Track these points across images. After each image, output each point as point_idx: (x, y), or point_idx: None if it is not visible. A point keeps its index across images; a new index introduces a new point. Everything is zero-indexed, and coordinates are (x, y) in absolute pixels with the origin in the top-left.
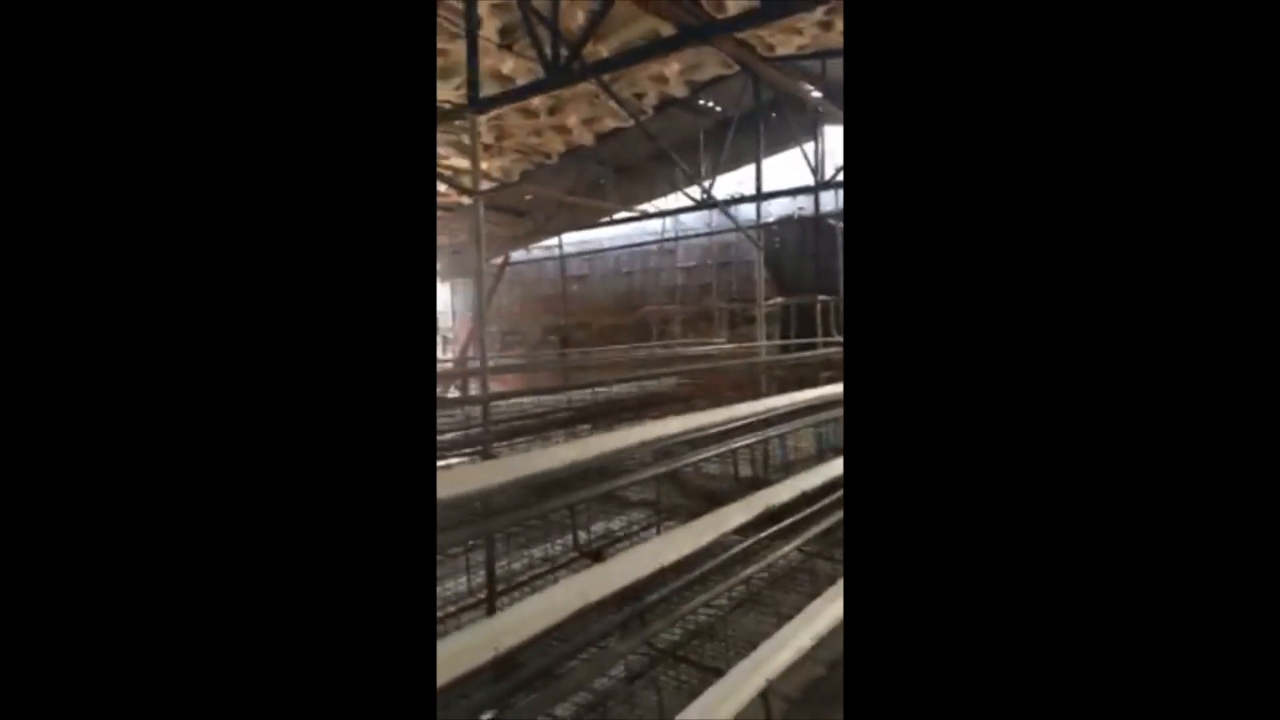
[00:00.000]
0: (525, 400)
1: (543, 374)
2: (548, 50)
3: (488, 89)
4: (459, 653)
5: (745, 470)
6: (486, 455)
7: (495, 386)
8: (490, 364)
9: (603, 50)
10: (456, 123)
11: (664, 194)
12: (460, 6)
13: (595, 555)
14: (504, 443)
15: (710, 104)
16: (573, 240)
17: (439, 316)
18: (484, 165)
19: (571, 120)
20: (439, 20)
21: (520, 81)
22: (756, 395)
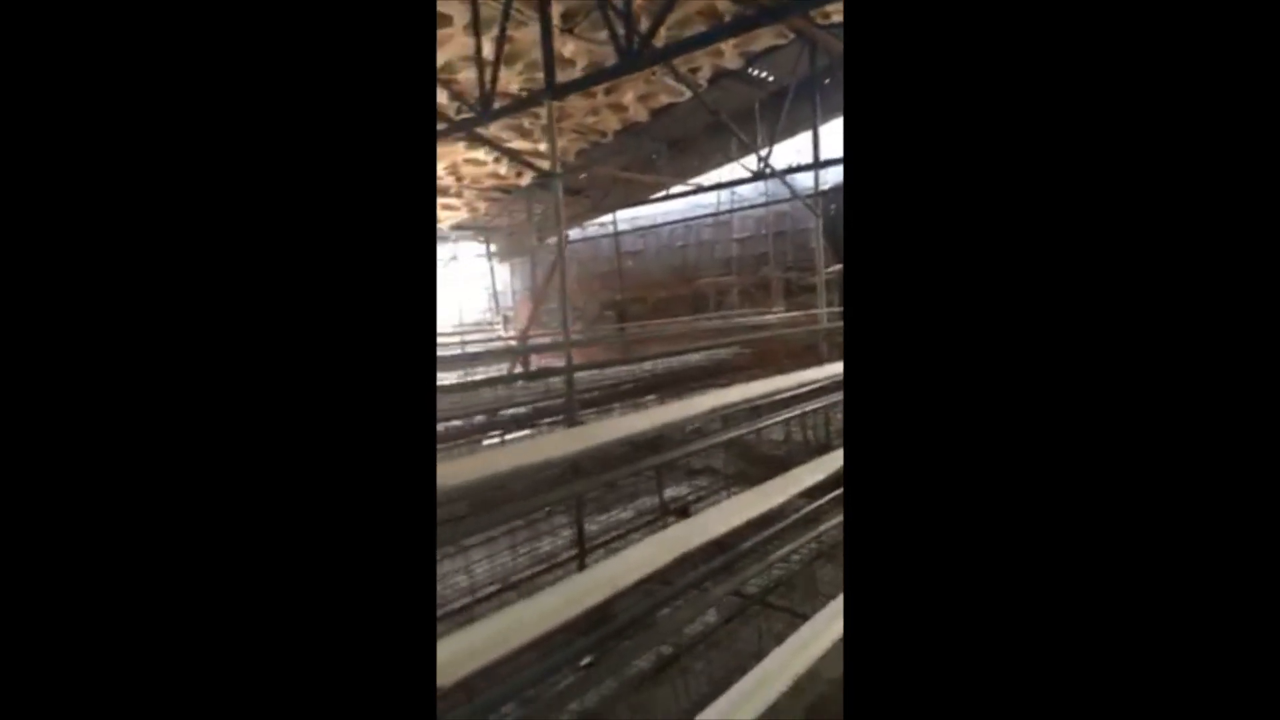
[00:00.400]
0: (585, 373)
1: (600, 346)
2: (620, 35)
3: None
4: (581, 593)
5: (809, 435)
6: (572, 423)
7: (555, 360)
8: (555, 339)
9: (661, 29)
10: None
11: (718, 166)
12: None
13: (682, 511)
14: (586, 411)
15: (764, 74)
16: (626, 217)
17: (499, 296)
18: (542, 146)
19: (628, 98)
20: (502, 6)
21: (581, 64)
22: (818, 362)
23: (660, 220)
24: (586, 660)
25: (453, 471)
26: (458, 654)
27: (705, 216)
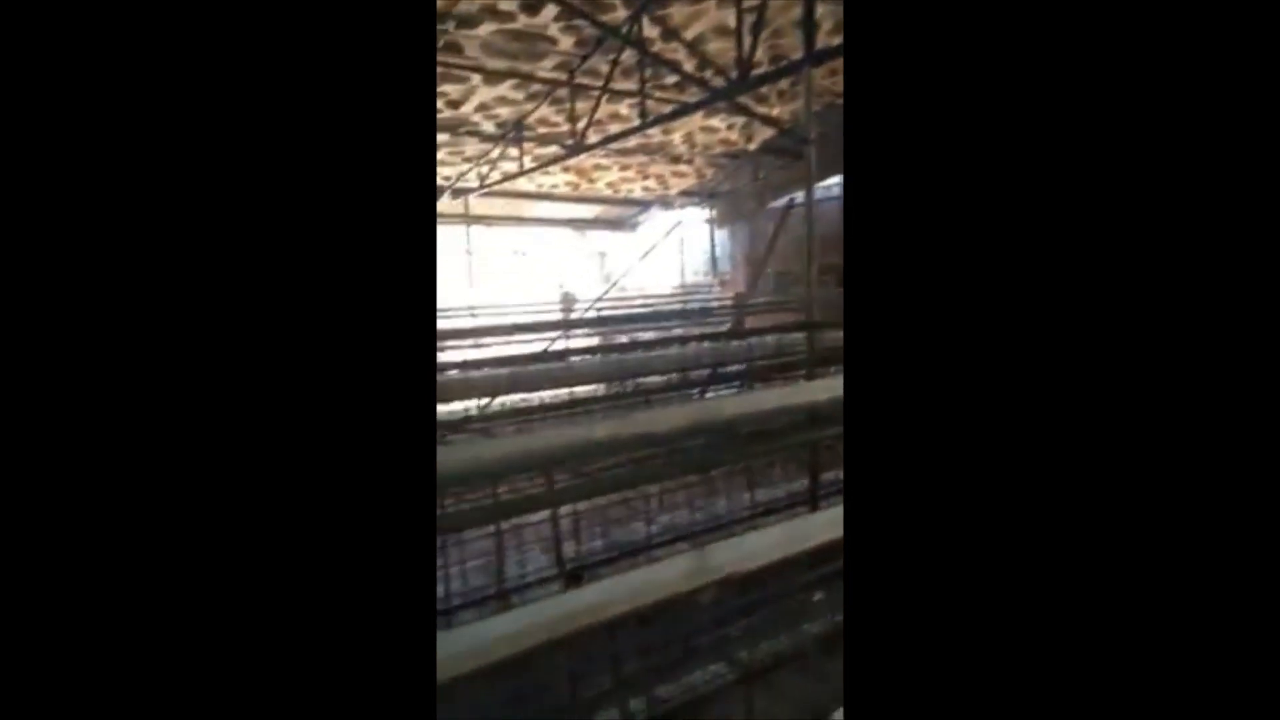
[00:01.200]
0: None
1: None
2: None
3: (793, 38)
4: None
5: None
6: (811, 376)
7: (764, 320)
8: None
9: None
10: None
11: None
12: None
13: None
14: (823, 367)
15: None
16: None
17: (717, 260)
18: (774, 111)
19: None
20: None
21: (825, 26)
22: None
23: None
24: (818, 596)
25: (705, 409)
26: (743, 554)
27: None
